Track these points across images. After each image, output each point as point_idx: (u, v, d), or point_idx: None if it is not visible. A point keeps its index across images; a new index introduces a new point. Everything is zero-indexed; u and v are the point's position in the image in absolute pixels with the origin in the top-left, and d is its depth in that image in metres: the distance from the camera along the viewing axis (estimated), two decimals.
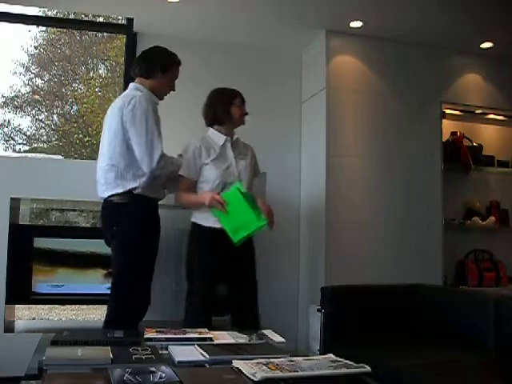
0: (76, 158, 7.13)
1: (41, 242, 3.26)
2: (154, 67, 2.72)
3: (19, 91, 7.89)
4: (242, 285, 2.75)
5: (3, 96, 7.64)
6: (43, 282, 3.23)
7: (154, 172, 2.55)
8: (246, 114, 2.85)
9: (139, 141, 2.54)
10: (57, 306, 5.68)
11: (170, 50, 2.85)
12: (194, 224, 2.73)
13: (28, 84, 8.01)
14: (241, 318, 2.70)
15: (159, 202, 2.75)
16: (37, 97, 8.06)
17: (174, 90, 2.84)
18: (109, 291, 2.74)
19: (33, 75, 8.07)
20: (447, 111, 4.25)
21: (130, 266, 2.57)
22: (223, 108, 2.76)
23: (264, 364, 1.54)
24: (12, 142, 7.97)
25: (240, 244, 2.56)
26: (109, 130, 2.64)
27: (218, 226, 2.62)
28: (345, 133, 3.91)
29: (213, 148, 2.72)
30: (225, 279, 2.74)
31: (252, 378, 1.44)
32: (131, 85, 2.75)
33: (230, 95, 2.79)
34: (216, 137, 2.76)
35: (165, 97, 2.85)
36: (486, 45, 4.11)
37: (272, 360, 1.60)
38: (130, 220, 2.58)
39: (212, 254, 2.65)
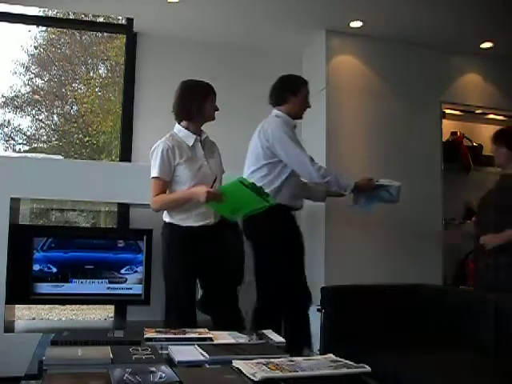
0: (76, 158, 7.13)
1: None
2: (285, 94, 3.10)
3: (19, 91, 7.88)
4: (222, 283, 2.69)
5: (3, 96, 7.64)
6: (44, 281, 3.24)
7: (318, 179, 2.99)
8: (217, 109, 2.73)
9: (289, 159, 2.96)
10: (57, 306, 5.68)
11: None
12: (171, 225, 2.62)
13: (28, 84, 8.01)
14: (222, 318, 2.66)
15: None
16: (37, 97, 8.06)
17: (309, 106, 3.20)
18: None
19: (33, 75, 8.07)
20: (447, 111, 4.25)
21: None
22: (197, 103, 2.62)
23: (264, 364, 1.54)
24: (12, 141, 7.96)
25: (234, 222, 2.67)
26: (251, 151, 3.11)
27: (196, 224, 2.58)
28: (345, 133, 3.91)
29: (184, 148, 2.61)
30: (205, 278, 2.70)
31: (252, 377, 1.44)
32: (272, 112, 3.15)
33: (204, 90, 2.67)
34: (185, 136, 2.64)
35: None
36: (486, 45, 4.11)
37: (272, 360, 1.60)
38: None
39: (191, 253, 2.57)
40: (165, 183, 2.58)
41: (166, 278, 2.66)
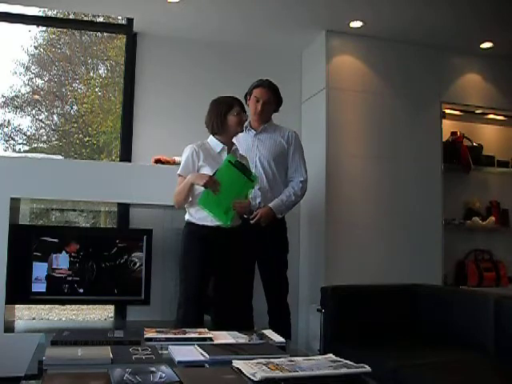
0: (76, 158, 7.12)
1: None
2: None
3: (19, 91, 7.87)
4: (228, 284, 2.75)
5: (3, 96, 7.63)
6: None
7: None
8: (242, 122, 2.79)
9: None
10: (57, 305, 5.68)
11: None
12: (189, 223, 2.74)
13: (28, 84, 8.00)
14: (221, 318, 2.71)
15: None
16: (37, 97, 8.05)
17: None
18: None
19: (33, 75, 8.05)
20: (447, 111, 4.25)
21: None
22: (219, 120, 2.74)
23: (264, 364, 1.54)
24: (12, 141, 7.95)
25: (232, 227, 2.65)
26: None
27: (212, 224, 2.66)
28: (345, 133, 3.91)
29: (210, 154, 2.74)
30: (216, 277, 2.74)
31: (252, 378, 1.44)
32: None
33: (226, 106, 2.76)
34: (214, 144, 2.78)
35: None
36: (486, 45, 4.11)
37: (272, 360, 1.60)
38: None
39: (204, 251, 2.66)
40: None
41: (180, 274, 2.75)
